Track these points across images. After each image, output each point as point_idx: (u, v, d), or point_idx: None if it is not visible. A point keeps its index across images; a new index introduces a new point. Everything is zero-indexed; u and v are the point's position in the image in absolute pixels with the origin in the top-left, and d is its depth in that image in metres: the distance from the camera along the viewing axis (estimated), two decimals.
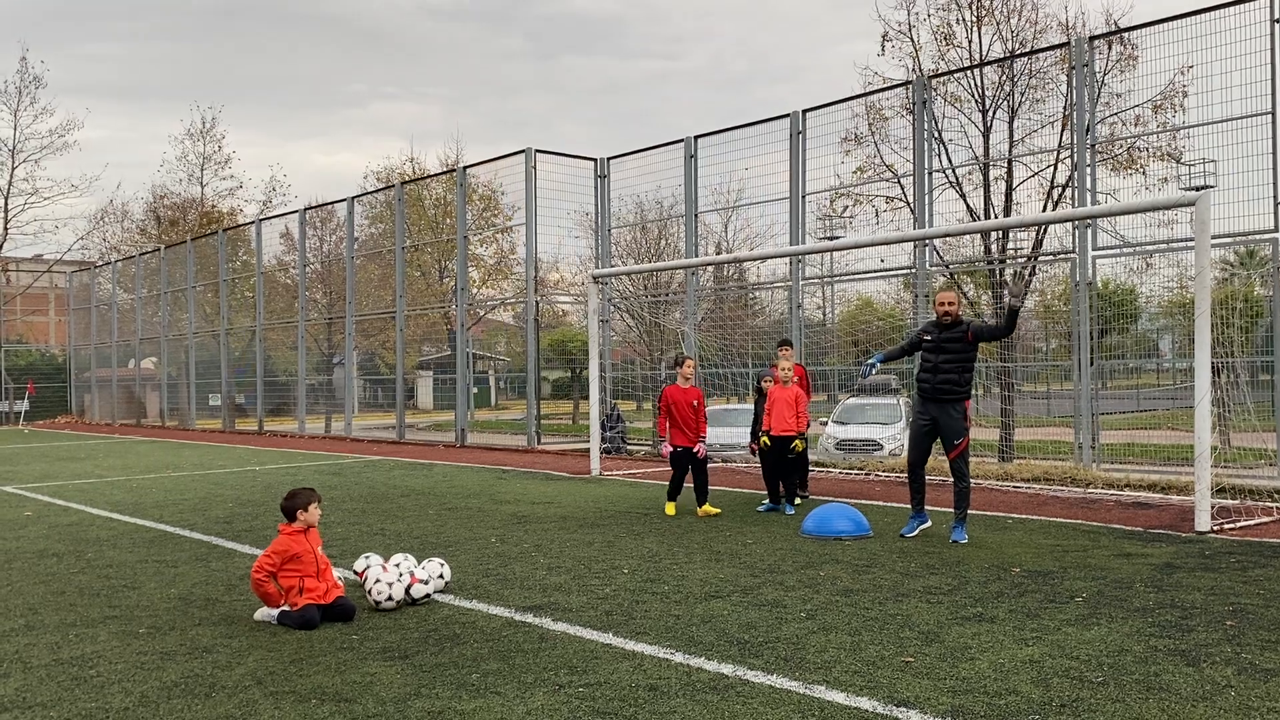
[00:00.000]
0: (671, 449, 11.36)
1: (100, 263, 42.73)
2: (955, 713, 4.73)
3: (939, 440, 9.56)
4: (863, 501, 11.91)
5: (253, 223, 32.43)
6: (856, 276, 18.70)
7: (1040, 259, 17.17)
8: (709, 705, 4.89)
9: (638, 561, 8.50)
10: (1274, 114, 12.86)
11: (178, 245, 35.69)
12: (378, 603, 6.89)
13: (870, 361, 9.90)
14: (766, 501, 11.60)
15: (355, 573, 7.54)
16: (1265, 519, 10.18)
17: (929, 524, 9.81)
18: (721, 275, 24.07)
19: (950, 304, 9.43)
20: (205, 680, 5.43)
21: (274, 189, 48.17)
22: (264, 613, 6.67)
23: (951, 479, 9.62)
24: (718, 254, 22.73)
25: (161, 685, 5.36)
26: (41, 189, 44.29)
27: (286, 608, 6.56)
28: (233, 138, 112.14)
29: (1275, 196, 12.81)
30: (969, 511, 9.60)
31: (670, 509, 11.28)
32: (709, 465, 11.85)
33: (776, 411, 11.43)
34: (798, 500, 11.61)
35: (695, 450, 11.29)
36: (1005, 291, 9.32)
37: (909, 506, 9.89)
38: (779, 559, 8.51)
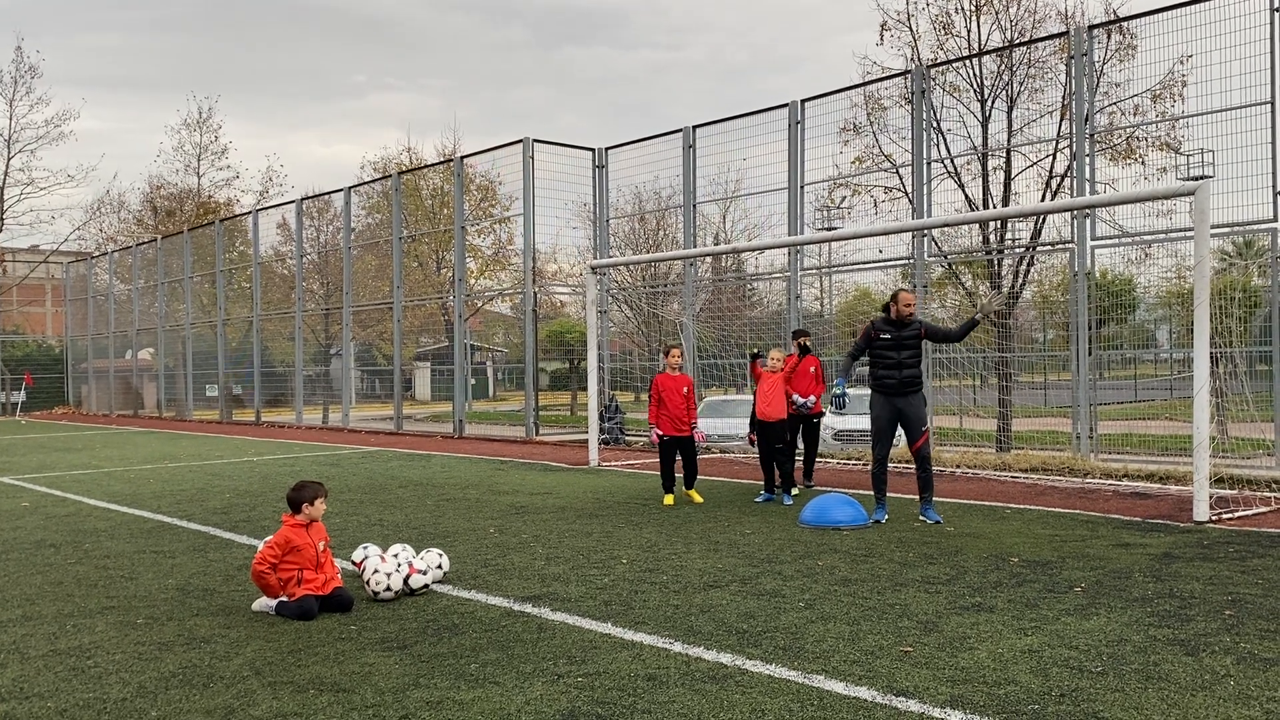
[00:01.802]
0: (660, 437, 11.40)
1: (97, 253, 42.65)
2: (954, 702, 4.72)
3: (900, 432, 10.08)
4: (861, 491, 11.90)
5: (249, 213, 32.36)
6: (855, 267, 18.68)
7: (1038, 249, 17.15)
8: (707, 695, 4.89)
9: (636, 551, 8.50)
10: (1273, 103, 12.84)
11: (174, 236, 35.62)
12: (376, 593, 6.89)
13: (837, 393, 10.25)
14: (764, 492, 11.60)
15: (353, 563, 7.53)
16: (1263, 509, 10.19)
17: (888, 514, 10.05)
18: (720, 266, 24.05)
19: (913, 304, 10.08)
20: (203, 670, 5.42)
21: (271, 179, 48.04)
22: (262, 603, 6.66)
23: (915, 467, 9.99)
24: (716, 244, 22.68)
25: (159, 675, 5.35)
26: (37, 179, 44.31)
27: (285, 598, 6.55)
28: (231, 128, 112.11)
29: (1274, 186, 12.79)
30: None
31: (669, 499, 11.29)
32: (699, 452, 11.99)
33: (762, 398, 11.47)
34: (795, 491, 11.60)
35: (694, 438, 11.49)
36: (985, 301, 9.75)
37: (905, 496, 10.05)
38: (777, 549, 8.51)
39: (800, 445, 12.63)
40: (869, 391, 10.18)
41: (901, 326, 9.92)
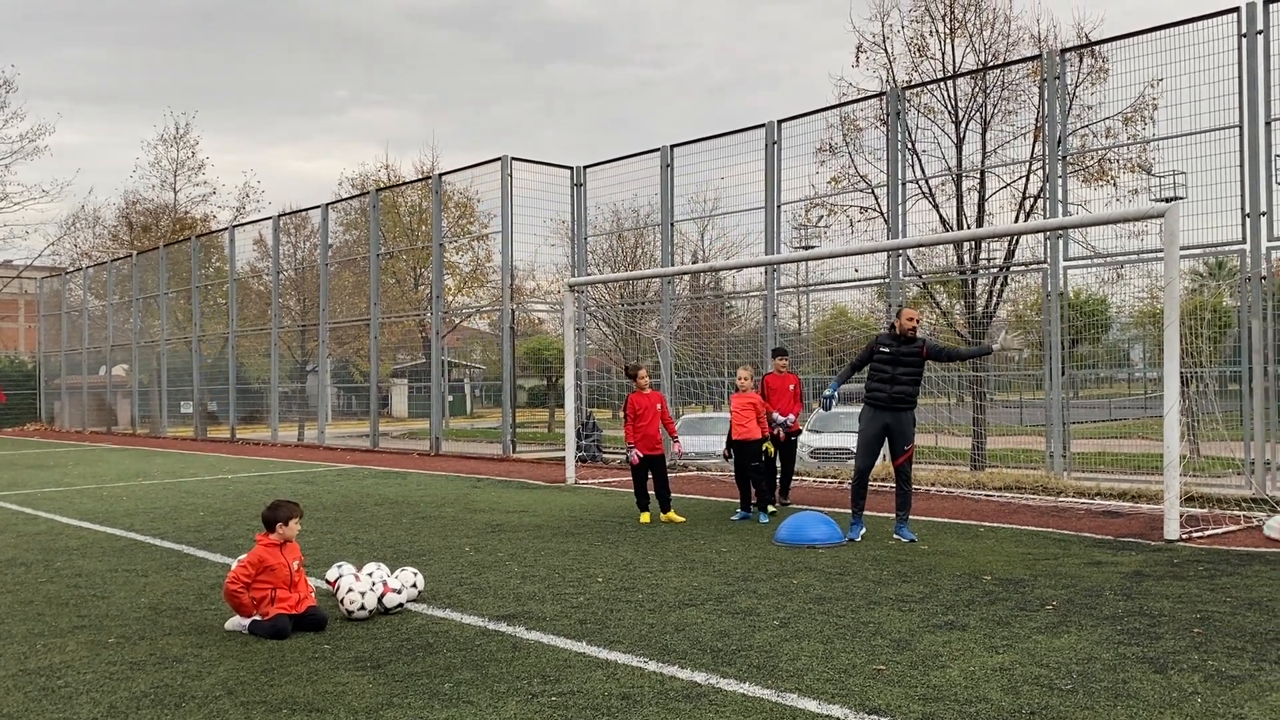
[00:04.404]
0: (639, 458, 11.39)
1: (71, 269, 42.36)
2: None
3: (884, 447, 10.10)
4: (837, 510, 11.94)
5: (226, 229, 32.23)
6: (831, 286, 18.79)
7: (1012, 269, 17.31)
8: (681, 713, 4.90)
9: (612, 570, 8.50)
10: (1242, 127, 13.04)
11: (150, 251, 35.43)
12: (350, 612, 6.86)
13: (827, 394, 10.28)
14: (740, 510, 11.62)
15: (328, 582, 7.51)
16: (1233, 527, 10.29)
17: (865, 529, 10.08)
18: (697, 284, 24.11)
19: (917, 320, 10.00)
20: (175, 690, 5.39)
21: (248, 195, 47.80)
22: (235, 622, 6.63)
23: (895, 483, 10.05)
24: (694, 263, 22.77)
25: (131, 695, 5.31)
26: (11, 194, 43.92)
27: (258, 617, 6.51)
28: (212, 142, 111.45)
29: (1244, 208, 12.98)
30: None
31: (644, 517, 11.29)
32: (670, 471, 12.01)
33: (736, 417, 11.50)
34: (771, 509, 11.63)
35: (675, 451, 11.48)
36: (1003, 336, 9.81)
37: (882, 515, 10.08)
38: (752, 567, 8.53)
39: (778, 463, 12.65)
40: (859, 409, 10.21)
41: (902, 343, 9.90)
